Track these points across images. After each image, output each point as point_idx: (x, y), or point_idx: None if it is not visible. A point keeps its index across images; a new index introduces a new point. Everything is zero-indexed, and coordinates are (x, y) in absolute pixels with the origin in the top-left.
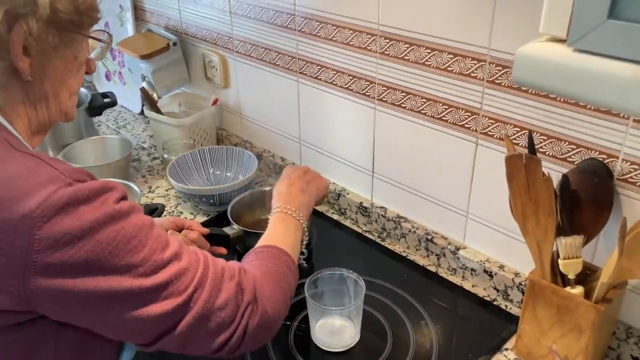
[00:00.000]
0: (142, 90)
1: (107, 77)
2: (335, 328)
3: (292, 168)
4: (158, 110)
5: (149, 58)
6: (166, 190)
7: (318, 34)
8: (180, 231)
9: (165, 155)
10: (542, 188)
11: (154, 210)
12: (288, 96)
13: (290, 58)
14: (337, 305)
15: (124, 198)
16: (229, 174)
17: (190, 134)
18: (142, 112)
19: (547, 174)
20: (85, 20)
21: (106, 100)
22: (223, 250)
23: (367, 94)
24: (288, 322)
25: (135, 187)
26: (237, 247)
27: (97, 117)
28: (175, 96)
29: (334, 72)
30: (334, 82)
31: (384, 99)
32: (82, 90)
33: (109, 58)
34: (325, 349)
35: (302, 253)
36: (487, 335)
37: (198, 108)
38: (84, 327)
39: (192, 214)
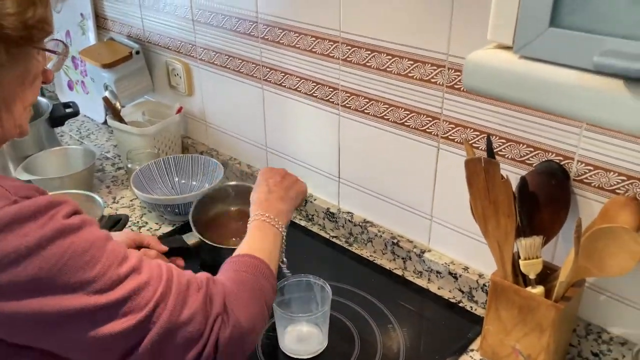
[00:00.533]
0: (105, 99)
1: (70, 87)
2: (303, 335)
3: (269, 172)
4: (121, 120)
5: (111, 67)
6: (131, 201)
7: (281, 41)
8: (138, 249)
9: (130, 165)
10: (501, 190)
11: (117, 221)
12: (253, 103)
13: (254, 65)
14: (305, 312)
15: (75, 213)
16: (194, 183)
17: (154, 143)
18: (105, 122)
19: (505, 177)
20: (36, 34)
21: (68, 110)
22: (180, 262)
23: (331, 100)
24: None
25: (99, 198)
26: (204, 258)
27: (59, 127)
28: (138, 105)
29: (298, 79)
30: (298, 89)
31: (347, 105)
32: (43, 100)
33: (71, 67)
34: (293, 356)
35: (282, 261)
36: (453, 337)
37: (162, 116)
38: (44, 348)
39: (157, 224)
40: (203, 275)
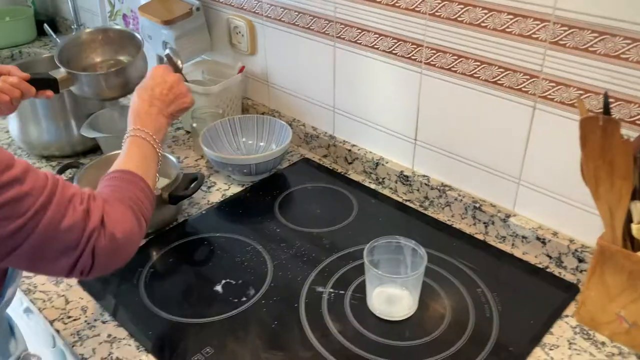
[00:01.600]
0: (168, 57)
1: None
2: (392, 297)
3: (161, 77)
4: (184, 79)
5: (171, 24)
6: (196, 161)
7: None
8: None
9: (194, 125)
10: (619, 151)
11: (193, 180)
12: (322, 62)
13: (326, 22)
14: (391, 275)
15: None
16: (261, 144)
17: (218, 103)
18: None
19: (626, 137)
20: None
21: None
22: (50, 94)
23: (413, 57)
24: (342, 291)
25: (172, 158)
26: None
27: None
28: (198, 64)
29: (377, 35)
30: (376, 46)
31: (432, 62)
32: None
33: (121, 25)
34: (382, 317)
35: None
36: (544, 303)
37: (222, 76)
38: None
39: (225, 184)
40: (87, 190)
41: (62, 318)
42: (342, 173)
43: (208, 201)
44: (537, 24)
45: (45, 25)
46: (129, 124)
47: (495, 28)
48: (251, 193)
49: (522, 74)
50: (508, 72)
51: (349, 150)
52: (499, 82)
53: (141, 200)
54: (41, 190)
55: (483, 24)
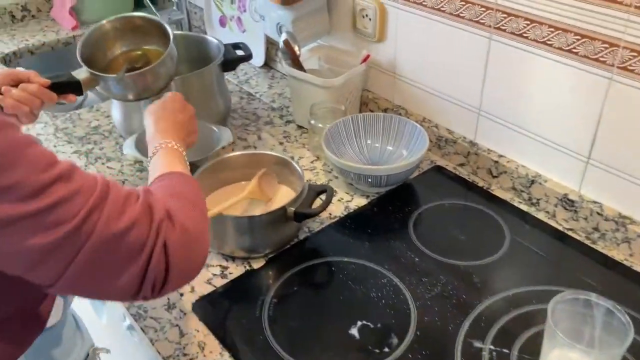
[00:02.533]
0: (285, 42)
1: (222, 23)
2: None
3: (181, 103)
4: (301, 67)
5: (291, 4)
6: (311, 162)
7: None
8: (16, 86)
9: (312, 122)
10: None
11: (320, 193)
12: (471, 56)
13: (483, 9)
14: (573, 337)
15: None
16: (389, 148)
17: (338, 97)
18: (265, 65)
19: None
20: None
21: (239, 52)
22: (72, 98)
23: (601, 59)
24: (506, 350)
25: (297, 167)
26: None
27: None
28: (313, 50)
29: (552, 29)
30: (549, 42)
31: (630, 67)
32: (214, 41)
33: (226, 0)
34: None
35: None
36: None
37: (341, 65)
38: None
39: (348, 193)
40: (140, 187)
41: (178, 355)
42: (484, 187)
43: (330, 214)
44: None
45: None
46: (154, 138)
47: None
48: (378, 207)
49: None
50: None
51: (496, 161)
52: None
53: (198, 193)
54: (92, 188)
55: None
